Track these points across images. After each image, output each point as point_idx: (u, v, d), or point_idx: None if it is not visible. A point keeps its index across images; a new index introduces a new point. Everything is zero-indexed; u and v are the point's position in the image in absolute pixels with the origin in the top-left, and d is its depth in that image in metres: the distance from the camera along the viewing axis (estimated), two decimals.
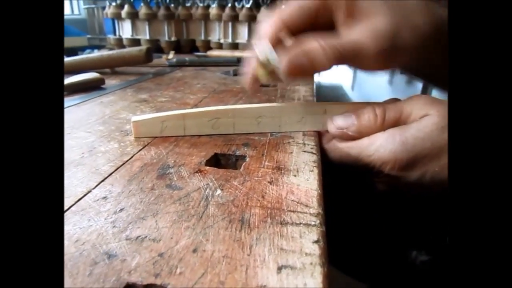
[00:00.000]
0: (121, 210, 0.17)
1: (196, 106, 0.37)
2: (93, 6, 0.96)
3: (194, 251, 0.14)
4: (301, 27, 0.27)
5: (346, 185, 0.37)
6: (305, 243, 0.15)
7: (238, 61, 0.70)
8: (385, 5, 0.26)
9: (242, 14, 0.83)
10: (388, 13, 0.25)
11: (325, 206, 0.19)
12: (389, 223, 0.41)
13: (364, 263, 0.48)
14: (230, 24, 0.85)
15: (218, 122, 0.27)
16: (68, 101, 0.38)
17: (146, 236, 0.15)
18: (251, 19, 0.83)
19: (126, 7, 0.84)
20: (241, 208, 0.17)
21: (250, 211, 0.17)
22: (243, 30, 0.86)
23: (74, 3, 1.20)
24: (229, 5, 0.85)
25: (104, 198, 0.18)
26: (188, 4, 0.90)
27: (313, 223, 0.17)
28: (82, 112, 0.34)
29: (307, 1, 0.27)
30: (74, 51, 0.94)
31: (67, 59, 0.53)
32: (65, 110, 0.34)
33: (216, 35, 0.90)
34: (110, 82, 0.49)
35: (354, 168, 0.28)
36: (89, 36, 0.96)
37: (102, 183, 0.20)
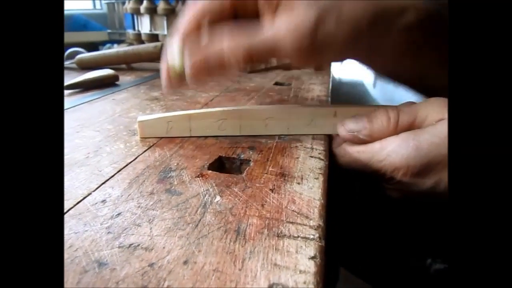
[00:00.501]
0: (118, 215, 0.17)
1: (206, 105, 0.37)
2: (113, 1, 0.97)
3: (185, 262, 0.14)
4: (224, 16, 0.25)
5: (357, 190, 0.36)
6: (301, 259, 0.14)
7: None
8: None
9: None
10: (312, 4, 0.23)
11: (327, 218, 0.18)
12: (402, 229, 0.39)
13: (376, 267, 0.47)
14: None
15: (224, 123, 0.26)
16: (81, 98, 0.38)
17: (139, 244, 0.15)
18: None
19: (145, 2, 0.85)
20: (239, 217, 0.17)
21: (247, 221, 0.17)
22: None
23: None
24: None
25: (103, 201, 0.18)
26: None
27: (311, 236, 0.16)
28: (93, 110, 0.34)
29: None
30: (95, 46, 0.96)
31: (83, 55, 0.54)
32: (77, 108, 0.35)
33: None
34: (125, 78, 0.50)
35: (365, 173, 0.27)
36: (109, 31, 0.98)
37: (103, 185, 0.20)
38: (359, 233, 0.45)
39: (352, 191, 0.37)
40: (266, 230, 0.16)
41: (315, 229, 0.16)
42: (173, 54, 0.24)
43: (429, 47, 0.26)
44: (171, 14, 0.86)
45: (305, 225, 0.17)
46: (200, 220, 0.17)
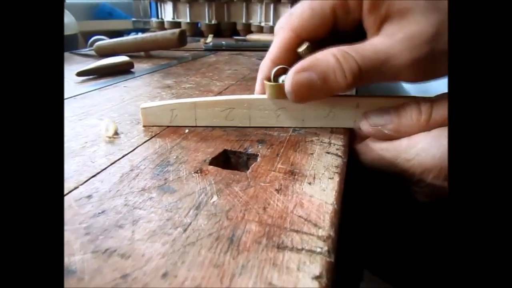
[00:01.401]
0: (100, 213, 0.15)
1: (219, 94, 0.34)
2: None
3: (164, 275, 0.12)
4: (320, 35, 0.23)
5: (382, 191, 0.32)
6: (302, 278, 0.12)
7: None
8: None
9: None
10: (428, 9, 0.19)
11: (341, 226, 0.16)
12: (432, 236, 0.36)
13: (400, 270, 0.44)
14: (271, 6, 0.81)
15: (232, 113, 0.24)
16: (93, 85, 0.37)
17: (116, 250, 0.13)
18: (294, 1, 0.78)
19: None
20: (235, 222, 0.15)
21: (244, 227, 0.14)
22: (285, 13, 0.81)
23: None
24: None
25: (88, 197, 0.16)
26: None
27: (318, 249, 0.13)
28: (102, 97, 0.33)
29: (320, 2, 0.22)
30: (119, 34, 0.96)
31: (102, 42, 0.53)
32: (87, 95, 0.33)
33: (257, 18, 0.86)
34: (141, 66, 0.48)
35: (390, 174, 0.24)
36: (133, 19, 0.97)
37: (93, 178, 0.18)
38: (383, 235, 0.42)
39: (376, 191, 0.34)
40: (264, 239, 0.14)
41: (323, 241, 0.14)
42: (272, 73, 0.23)
43: None
44: (194, 1, 0.84)
45: (312, 234, 0.14)
46: (190, 223, 0.15)
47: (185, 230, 0.14)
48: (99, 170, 0.19)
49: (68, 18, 0.69)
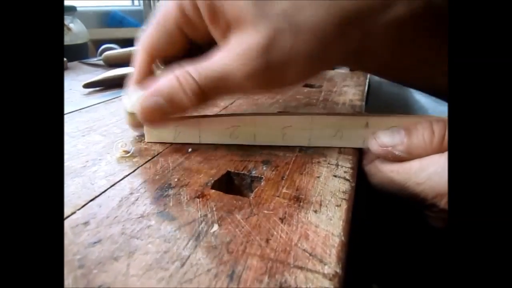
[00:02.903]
0: (96, 243, 0.15)
1: (225, 109, 0.34)
2: None
3: None
4: (175, 51, 0.23)
5: (393, 212, 0.31)
6: None
7: None
8: (258, 6, 0.18)
9: None
10: (257, 17, 0.18)
11: (347, 260, 0.15)
12: (443, 255, 0.34)
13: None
14: None
15: (237, 131, 0.23)
16: (99, 97, 0.37)
17: None
18: None
19: None
20: (236, 256, 0.14)
21: (245, 262, 0.14)
22: None
23: None
24: None
25: (85, 224, 0.16)
26: None
27: None
28: (107, 110, 0.32)
29: (163, 20, 0.22)
30: (130, 42, 0.97)
31: (110, 52, 0.53)
32: (92, 108, 0.33)
33: None
34: None
35: (400, 197, 0.23)
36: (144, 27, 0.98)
37: (91, 202, 0.17)
38: (392, 252, 0.40)
39: (387, 211, 0.33)
40: (266, 277, 0.13)
41: (329, 280, 0.13)
42: (129, 102, 0.23)
43: (429, 40, 0.22)
44: None
45: (318, 272, 0.13)
46: (188, 257, 0.14)
47: (182, 265, 0.13)
48: (98, 193, 0.18)
49: (79, 27, 0.70)
